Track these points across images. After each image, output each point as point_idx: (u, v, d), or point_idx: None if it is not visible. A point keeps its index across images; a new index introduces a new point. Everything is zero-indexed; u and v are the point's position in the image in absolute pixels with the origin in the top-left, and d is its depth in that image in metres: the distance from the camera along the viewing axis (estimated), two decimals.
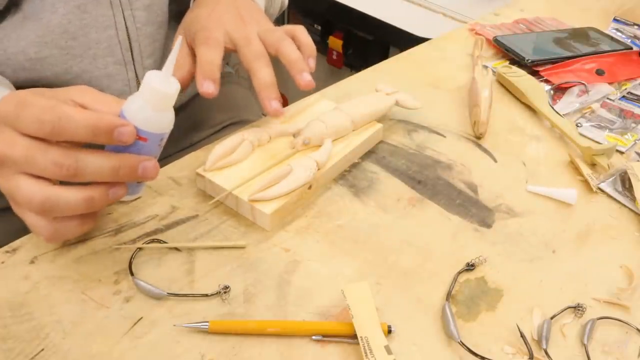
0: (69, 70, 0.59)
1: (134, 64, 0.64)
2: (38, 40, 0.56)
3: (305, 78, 0.53)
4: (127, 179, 0.41)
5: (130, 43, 0.62)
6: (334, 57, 1.27)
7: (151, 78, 0.41)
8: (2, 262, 0.45)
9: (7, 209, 0.43)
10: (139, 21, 0.62)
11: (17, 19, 0.56)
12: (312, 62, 0.55)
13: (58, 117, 0.38)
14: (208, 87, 0.51)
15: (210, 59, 0.52)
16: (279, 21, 1.38)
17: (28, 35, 0.56)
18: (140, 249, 0.47)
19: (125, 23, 0.61)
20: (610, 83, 0.74)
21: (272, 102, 0.52)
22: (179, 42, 0.42)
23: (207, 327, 0.41)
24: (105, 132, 0.39)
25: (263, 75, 0.52)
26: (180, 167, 0.56)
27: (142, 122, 0.41)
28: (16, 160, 0.39)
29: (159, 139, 0.43)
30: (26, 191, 0.39)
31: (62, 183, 0.40)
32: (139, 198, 0.52)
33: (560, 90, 0.73)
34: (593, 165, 0.60)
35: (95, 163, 0.40)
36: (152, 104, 0.41)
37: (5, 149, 0.39)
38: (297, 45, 0.55)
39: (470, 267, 0.48)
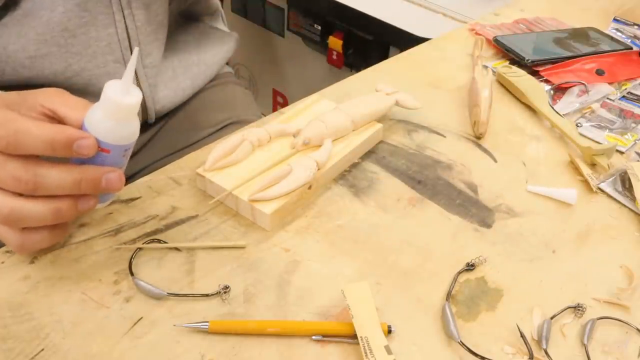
0: (68, 68, 0.59)
1: None
2: (38, 38, 0.56)
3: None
4: (91, 191, 0.41)
5: (129, 42, 0.62)
6: (334, 57, 1.27)
7: (110, 88, 0.39)
8: (2, 262, 0.45)
9: None
10: (139, 20, 0.62)
11: (17, 17, 0.56)
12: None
13: (14, 131, 0.37)
14: None
15: None
16: (279, 20, 1.38)
17: (28, 32, 0.56)
18: (140, 249, 0.47)
19: (125, 22, 0.61)
20: (610, 83, 0.74)
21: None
22: (136, 51, 0.40)
23: (207, 327, 0.41)
24: (63, 146, 0.38)
25: None
26: (180, 167, 0.56)
27: (103, 133, 0.40)
28: None
29: (123, 150, 0.41)
30: None
31: None
32: (140, 197, 0.52)
33: (560, 90, 0.73)
34: (593, 165, 0.60)
35: (56, 177, 0.39)
36: (113, 115, 0.39)
37: None
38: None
39: (470, 267, 0.48)
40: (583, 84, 0.73)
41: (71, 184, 0.39)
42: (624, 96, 0.73)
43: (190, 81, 0.74)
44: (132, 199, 0.52)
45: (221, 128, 0.78)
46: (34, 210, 0.39)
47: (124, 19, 0.61)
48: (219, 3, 0.85)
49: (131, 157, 0.44)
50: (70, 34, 0.58)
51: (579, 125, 0.67)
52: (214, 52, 0.78)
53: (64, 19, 0.57)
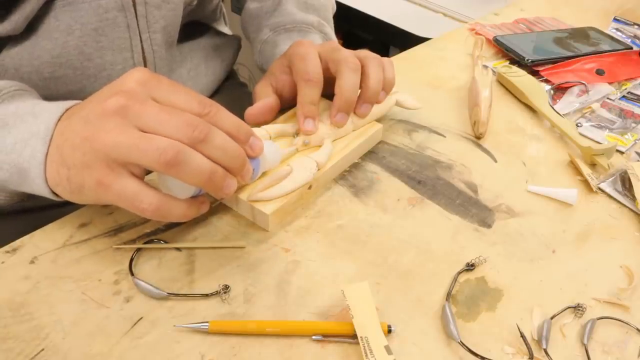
0: (82, 89, 0.59)
1: None
2: (53, 61, 0.56)
3: (364, 110, 0.58)
4: (238, 166, 0.43)
5: (145, 65, 0.62)
6: None
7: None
8: (2, 262, 0.45)
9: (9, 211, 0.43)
10: (156, 43, 0.62)
11: (30, 39, 0.55)
12: (383, 96, 0.59)
13: (216, 106, 0.44)
14: (309, 124, 0.54)
15: (311, 98, 0.54)
16: None
17: (42, 55, 0.55)
18: (140, 249, 0.47)
19: (142, 45, 0.61)
20: (610, 83, 0.75)
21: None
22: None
23: (207, 327, 0.41)
24: (245, 133, 0.45)
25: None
26: None
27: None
28: (142, 114, 0.40)
29: (260, 169, 0.48)
30: (161, 142, 0.39)
31: None
32: None
33: (560, 90, 0.73)
34: (593, 165, 0.60)
35: (223, 137, 0.42)
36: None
37: (134, 104, 0.40)
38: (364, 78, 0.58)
39: (470, 267, 0.48)
40: (583, 83, 0.73)
41: (232, 149, 0.42)
42: (624, 96, 0.73)
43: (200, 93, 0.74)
44: None
45: None
46: (198, 159, 0.40)
47: (141, 42, 0.60)
48: (221, 4, 0.84)
49: None
50: (86, 57, 0.57)
51: (579, 125, 0.67)
52: (221, 58, 0.78)
53: (80, 43, 0.56)
